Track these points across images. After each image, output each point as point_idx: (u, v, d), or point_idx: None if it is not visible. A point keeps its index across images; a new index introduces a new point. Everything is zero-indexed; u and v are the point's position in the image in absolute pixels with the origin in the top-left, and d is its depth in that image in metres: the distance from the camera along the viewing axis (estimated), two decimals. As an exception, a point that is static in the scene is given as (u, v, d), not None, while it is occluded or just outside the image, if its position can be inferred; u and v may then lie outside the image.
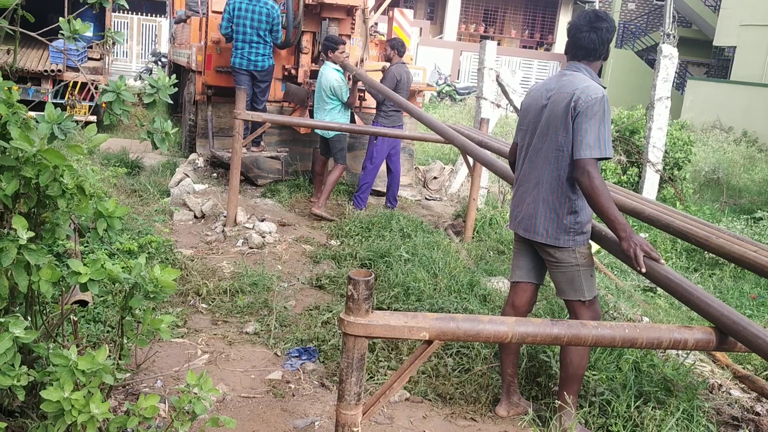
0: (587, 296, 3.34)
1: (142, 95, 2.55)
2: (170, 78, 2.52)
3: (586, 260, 3.33)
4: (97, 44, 11.03)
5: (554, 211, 3.29)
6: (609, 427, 3.38)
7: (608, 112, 3.14)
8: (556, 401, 3.40)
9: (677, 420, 3.36)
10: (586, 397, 3.57)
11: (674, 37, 20.23)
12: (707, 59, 26.73)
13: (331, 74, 7.19)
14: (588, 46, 3.27)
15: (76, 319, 2.71)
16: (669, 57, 8.28)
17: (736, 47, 21.42)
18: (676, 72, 9.48)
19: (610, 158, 3.16)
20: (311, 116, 7.60)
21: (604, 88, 3.21)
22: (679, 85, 24.07)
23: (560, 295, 3.47)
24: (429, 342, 2.14)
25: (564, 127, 3.18)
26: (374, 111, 7.81)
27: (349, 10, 8.05)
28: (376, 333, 2.09)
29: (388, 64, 7.79)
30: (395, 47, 7.65)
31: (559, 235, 3.29)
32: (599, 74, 3.46)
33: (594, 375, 3.68)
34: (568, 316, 3.59)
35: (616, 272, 6.48)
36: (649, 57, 25.43)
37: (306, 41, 8.00)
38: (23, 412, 2.44)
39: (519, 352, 3.68)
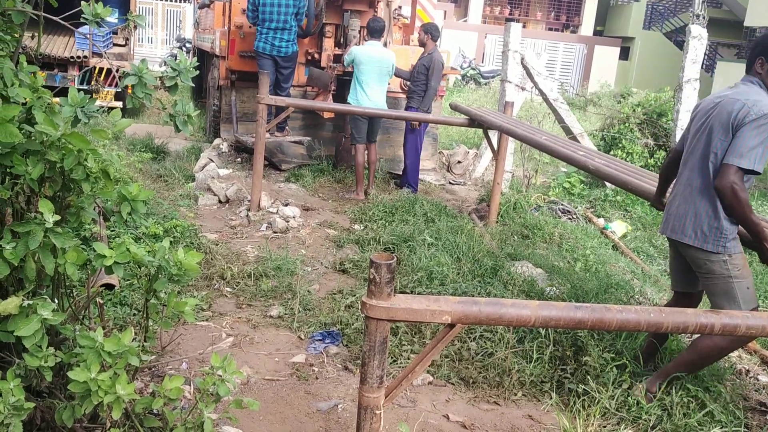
0: (743, 308, 3.21)
1: (164, 79, 2.55)
2: (191, 61, 2.52)
3: (741, 271, 3.24)
4: (122, 29, 11.10)
5: (704, 214, 3.23)
6: (637, 414, 3.35)
7: None
8: (579, 387, 3.39)
9: (704, 405, 3.33)
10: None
11: (704, 17, 19.84)
12: (738, 40, 26.18)
13: (390, 53, 7.25)
14: (750, 57, 3.36)
15: (102, 301, 2.75)
16: (698, 38, 8.10)
17: (768, 28, 20.93)
18: (705, 53, 9.28)
19: (758, 173, 3.10)
20: (335, 101, 7.58)
21: None
22: (709, 67, 23.61)
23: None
24: (451, 325, 2.12)
25: (723, 131, 3.15)
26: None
27: (371, 2, 7.99)
28: (398, 316, 2.08)
29: (409, 48, 7.72)
30: (429, 31, 7.51)
31: (708, 238, 3.22)
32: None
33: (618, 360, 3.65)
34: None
35: (642, 257, 6.40)
36: (678, 39, 24.96)
37: (328, 29, 7.98)
38: (51, 392, 2.48)
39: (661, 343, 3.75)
